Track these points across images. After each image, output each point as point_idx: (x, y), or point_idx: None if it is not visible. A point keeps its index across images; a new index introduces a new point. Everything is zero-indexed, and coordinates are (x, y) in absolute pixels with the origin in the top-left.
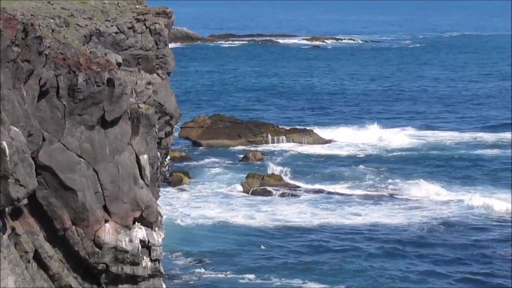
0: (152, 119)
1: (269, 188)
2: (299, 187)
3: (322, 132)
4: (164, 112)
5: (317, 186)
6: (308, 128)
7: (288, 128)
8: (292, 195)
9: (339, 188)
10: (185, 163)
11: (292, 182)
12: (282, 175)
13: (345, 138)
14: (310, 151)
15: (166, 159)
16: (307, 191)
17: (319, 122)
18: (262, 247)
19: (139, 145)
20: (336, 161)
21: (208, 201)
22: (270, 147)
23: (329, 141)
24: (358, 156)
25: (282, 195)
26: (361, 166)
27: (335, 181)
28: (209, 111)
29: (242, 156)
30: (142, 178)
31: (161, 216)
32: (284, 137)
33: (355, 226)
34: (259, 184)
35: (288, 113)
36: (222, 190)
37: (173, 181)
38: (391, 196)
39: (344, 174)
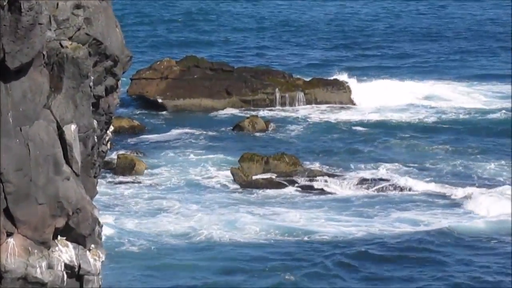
0: (84, 65)
1: (277, 178)
2: (328, 175)
3: (363, 85)
4: (104, 53)
5: (359, 174)
6: (339, 78)
7: (307, 79)
8: (317, 190)
9: (394, 176)
10: (139, 137)
11: (315, 167)
12: (298, 157)
13: (401, 96)
14: (343, 117)
15: (108, 132)
16: (343, 183)
17: (357, 70)
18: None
19: (62, 108)
20: (387, 132)
21: (177, 201)
22: (278, 110)
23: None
24: (422, 124)
25: (301, 189)
26: (424, 142)
27: (388, 164)
28: (178, 53)
29: (232, 126)
30: (68, 163)
31: (100, 226)
32: (301, 94)
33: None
34: (261, 171)
35: (308, 55)
36: (200, 182)
37: (120, 168)
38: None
39: (401, 154)
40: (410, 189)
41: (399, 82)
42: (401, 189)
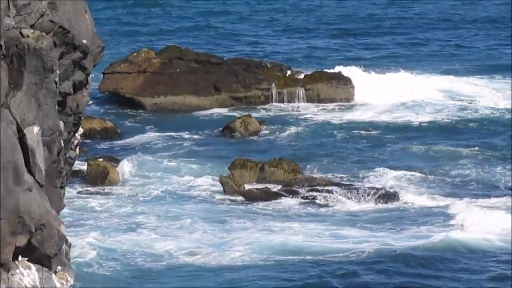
0: (48, 58)
1: (274, 188)
2: (333, 185)
3: (373, 80)
4: (71, 43)
5: (369, 183)
6: (345, 72)
7: (309, 72)
8: (321, 202)
9: (409, 187)
10: (113, 141)
11: (318, 175)
12: (298, 163)
13: (417, 92)
14: (350, 117)
15: (77, 135)
16: (350, 194)
17: (367, 62)
18: None
19: (23, 108)
20: (402, 135)
21: (156, 216)
22: (275, 109)
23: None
24: (442, 125)
25: (302, 200)
26: (445, 146)
27: (402, 172)
28: (159, 43)
29: (221, 127)
30: (30, 172)
31: (68, 245)
32: (301, 90)
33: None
34: (255, 180)
35: (309, 45)
36: (184, 194)
37: (91, 177)
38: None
39: (417, 160)
40: (427, 202)
41: (415, 75)
42: (417, 202)
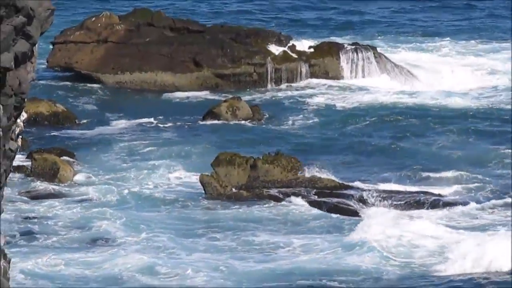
0: None
1: (269, 190)
2: (344, 187)
3: (397, 53)
4: (13, 5)
5: (388, 185)
6: (361, 42)
7: (314, 43)
8: (327, 207)
9: (442, 189)
10: (65, 129)
11: (324, 174)
12: (299, 159)
13: (451, 71)
14: (367, 100)
15: (19, 121)
16: (365, 197)
17: (388, 27)
18: None
19: None
20: (432, 124)
21: (120, 225)
22: (271, 89)
23: (414, 75)
24: (483, 112)
25: (303, 205)
26: (486, 141)
27: (431, 173)
28: (123, 4)
29: (203, 112)
30: None
31: (7, 261)
32: (305, 66)
33: None
34: (245, 180)
35: (315, 8)
36: (155, 196)
37: (36, 174)
38: None
39: (450, 156)
40: (464, 208)
41: (449, 47)
42: (450, 206)
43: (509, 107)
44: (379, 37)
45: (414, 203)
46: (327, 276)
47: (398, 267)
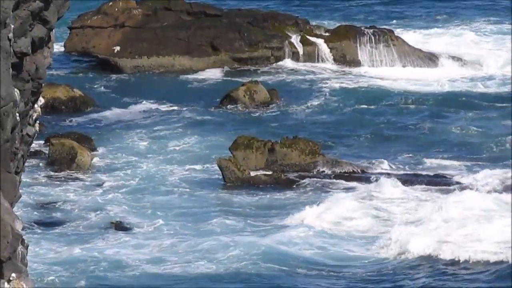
0: (0, 8)
1: (288, 174)
2: (362, 171)
3: (421, 36)
4: None
5: (409, 169)
6: (382, 26)
7: (332, 26)
8: (346, 191)
9: (461, 173)
10: (82, 114)
11: (342, 158)
12: (318, 142)
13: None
14: (388, 85)
15: (36, 106)
16: (383, 181)
17: (410, 12)
18: None
19: None
20: (458, 110)
21: (136, 210)
22: (289, 72)
23: (434, 59)
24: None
25: (323, 187)
26: None
27: (452, 161)
28: None
29: (221, 96)
30: None
31: (25, 246)
32: (324, 47)
33: None
34: (263, 164)
35: None
36: (173, 181)
37: (54, 160)
38: None
39: (470, 140)
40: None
41: (477, 33)
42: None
43: None
44: (396, 21)
45: (433, 187)
46: None
47: None
